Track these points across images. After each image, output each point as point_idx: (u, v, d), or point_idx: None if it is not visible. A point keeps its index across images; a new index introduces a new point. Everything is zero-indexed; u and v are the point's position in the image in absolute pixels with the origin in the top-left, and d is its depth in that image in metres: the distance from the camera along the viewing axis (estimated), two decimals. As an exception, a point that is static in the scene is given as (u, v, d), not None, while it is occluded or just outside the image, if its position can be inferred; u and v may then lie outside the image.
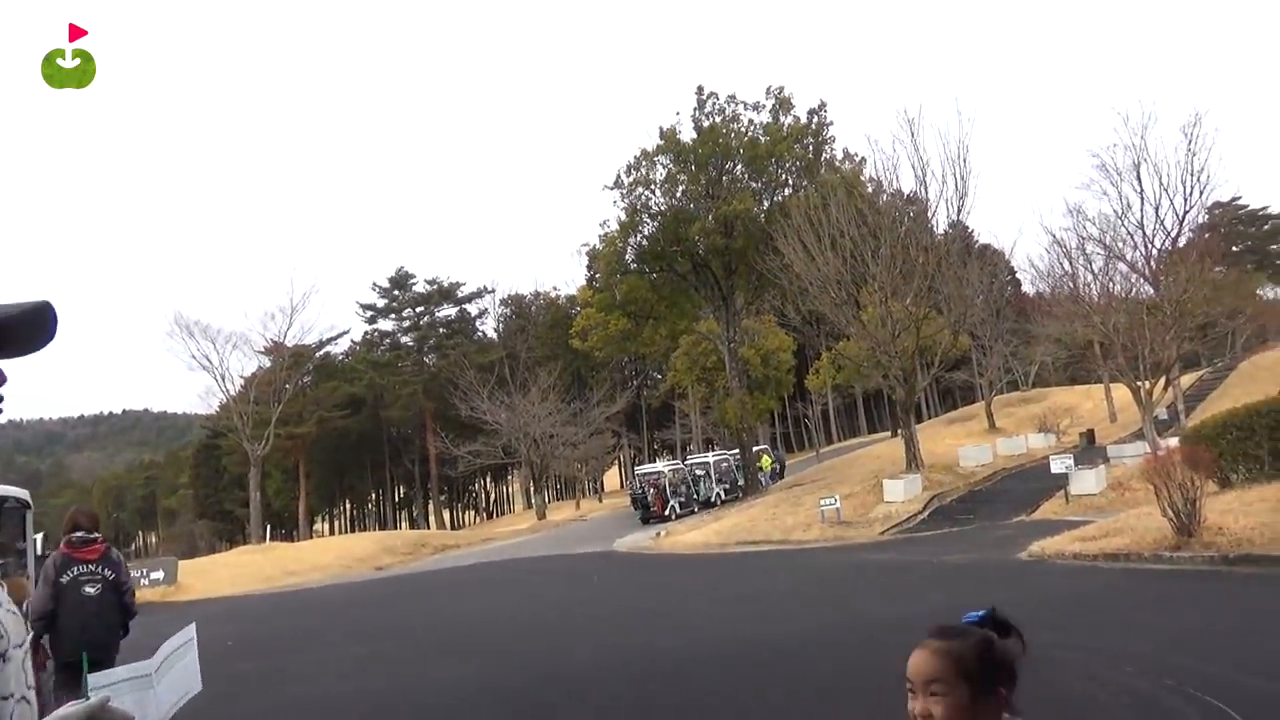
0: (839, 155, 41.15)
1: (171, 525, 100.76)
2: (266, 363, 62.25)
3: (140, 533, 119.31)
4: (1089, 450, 34.39)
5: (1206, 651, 6.89)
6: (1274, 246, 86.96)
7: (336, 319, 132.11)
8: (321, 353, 79.84)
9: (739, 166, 40.64)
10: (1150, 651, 6.95)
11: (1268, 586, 10.19)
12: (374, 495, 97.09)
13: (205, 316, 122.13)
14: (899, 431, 39.60)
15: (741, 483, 41.85)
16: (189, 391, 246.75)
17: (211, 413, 63.60)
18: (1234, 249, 67.63)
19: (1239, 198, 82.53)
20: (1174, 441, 20.29)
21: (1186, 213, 29.38)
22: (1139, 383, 28.68)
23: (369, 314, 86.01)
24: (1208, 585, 10.35)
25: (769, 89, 41.34)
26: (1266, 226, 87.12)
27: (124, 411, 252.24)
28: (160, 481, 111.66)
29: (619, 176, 41.14)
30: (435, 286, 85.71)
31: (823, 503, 25.81)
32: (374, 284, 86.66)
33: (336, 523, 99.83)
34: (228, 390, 56.20)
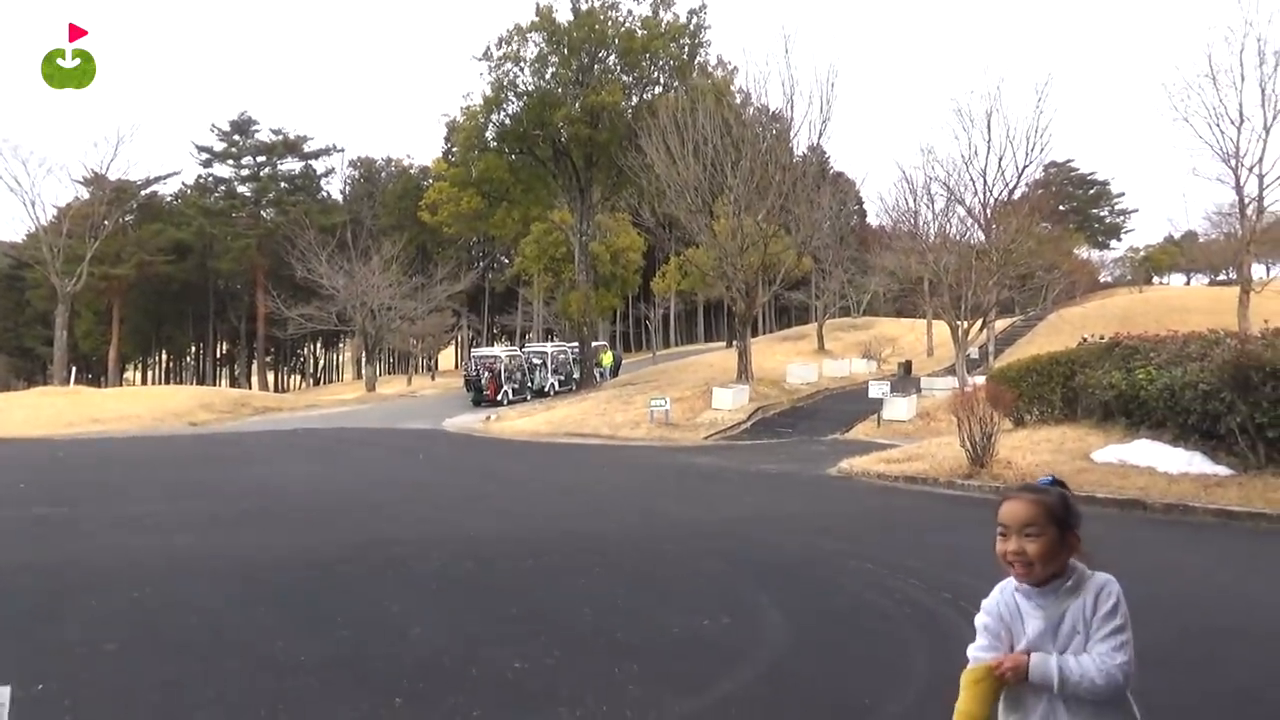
0: (713, 61, 40.98)
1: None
2: (85, 194, 57.80)
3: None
4: (905, 380, 36.51)
5: (981, 570, 7.53)
6: (1095, 210, 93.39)
7: (168, 159, 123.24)
8: (148, 191, 74.64)
9: (612, 57, 39.79)
10: (933, 567, 7.56)
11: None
12: (194, 349, 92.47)
13: (16, 136, 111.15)
14: (734, 343, 40.76)
15: (577, 376, 42.27)
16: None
17: (17, 241, 59.02)
18: (1060, 208, 72.04)
19: (1071, 160, 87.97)
20: (980, 380, 21.79)
21: (1025, 167, 31.08)
22: (958, 322, 30.47)
23: (204, 157, 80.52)
24: (991, 512, 11.26)
25: (653, -20, 40.38)
26: (1092, 190, 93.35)
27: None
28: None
29: (488, 49, 39.61)
30: (280, 137, 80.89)
31: (653, 403, 26.43)
32: (213, 125, 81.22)
33: (150, 373, 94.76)
34: (37, 219, 52.13)
